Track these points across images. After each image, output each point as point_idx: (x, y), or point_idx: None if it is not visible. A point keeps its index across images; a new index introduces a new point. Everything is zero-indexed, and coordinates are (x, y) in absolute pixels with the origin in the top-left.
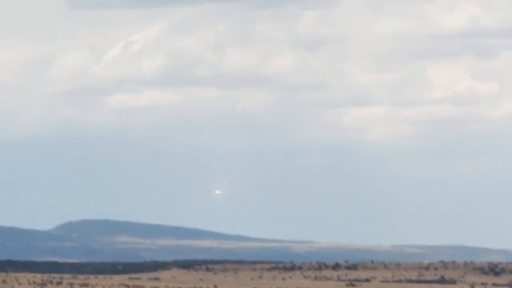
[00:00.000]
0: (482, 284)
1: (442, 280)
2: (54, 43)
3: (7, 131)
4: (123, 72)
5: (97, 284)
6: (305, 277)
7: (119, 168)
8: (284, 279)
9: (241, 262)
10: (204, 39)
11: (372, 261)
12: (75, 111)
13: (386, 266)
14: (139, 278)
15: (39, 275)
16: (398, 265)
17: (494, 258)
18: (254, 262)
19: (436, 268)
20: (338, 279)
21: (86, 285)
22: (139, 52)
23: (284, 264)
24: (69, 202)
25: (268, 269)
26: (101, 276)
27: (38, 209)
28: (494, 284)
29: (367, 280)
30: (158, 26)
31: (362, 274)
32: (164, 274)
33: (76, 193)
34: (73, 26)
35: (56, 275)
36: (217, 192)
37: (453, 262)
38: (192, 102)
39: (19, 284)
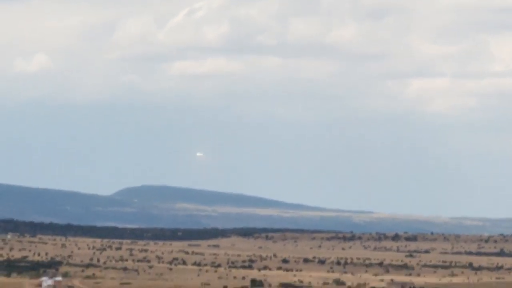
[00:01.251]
0: None
1: (501, 253)
2: (118, 8)
3: (69, 96)
4: (186, 39)
5: (156, 250)
6: (365, 247)
7: (181, 134)
8: (343, 248)
9: (300, 231)
10: (268, 7)
11: (431, 233)
12: (137, 77)
13: (445, 238)
14: (198, 245)
15: (98, 240)
16: (457, 237)
17: None
18: (314, 231)
19: (495, 241)
20: (398, 250)
21: (145, 251)
22: (202, 19)
23: (344, 234)
24: (130, 168)
25: (328, 239)
26: (160, 242)
27: (99, 174)
28: None
29: (427, 251)
30: None
31: (421, 245)
32: (223, 242)
33: (137, 159)
34: None
35: (115, 240)
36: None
37: None
38: (255, 70)
39: (79, 248)
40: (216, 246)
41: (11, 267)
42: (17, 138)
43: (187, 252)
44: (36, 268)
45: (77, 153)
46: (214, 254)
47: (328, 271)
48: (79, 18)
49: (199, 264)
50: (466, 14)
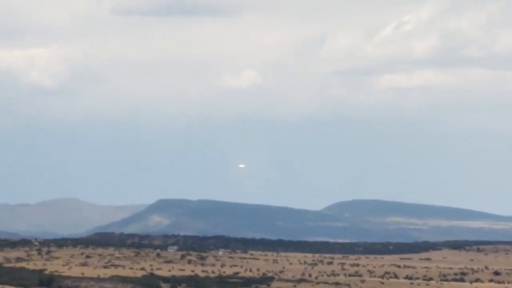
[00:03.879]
0: None
1: None
2: (328, 22)
3: (278, 111)
4: (395, 52)
5: (367, 264)
6: None
7: (389, 148)
8: None
9: None
10: (476, 19)
11: None
12: (347, 91)
13: None
14: (410, 259)
15: (309, 255)
16: None
17: None
18: None
19: None
20: None
21: (357, 265)
22: (411, 32)
23: None
24: (340, 182)
25: None
26: (372, 256)
27: (310, 189)
28: None
29: None
30: (431, 6)
31: None
32: (435, 255)
33: (347, 173)
34: (345, 6)
35: (327, 255)
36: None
37: None
38: (463, 83)
39: (290, 264)
40: (428, 259)
41: (223, 283)
42: (227, 155)
43: (398, 266)
44: (248, 284)
45: (287, 168)
46: (426, 267)
47: None
48: (287, 32)
49: (410, 278)
50: None
